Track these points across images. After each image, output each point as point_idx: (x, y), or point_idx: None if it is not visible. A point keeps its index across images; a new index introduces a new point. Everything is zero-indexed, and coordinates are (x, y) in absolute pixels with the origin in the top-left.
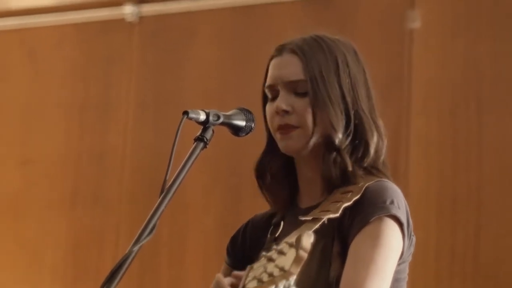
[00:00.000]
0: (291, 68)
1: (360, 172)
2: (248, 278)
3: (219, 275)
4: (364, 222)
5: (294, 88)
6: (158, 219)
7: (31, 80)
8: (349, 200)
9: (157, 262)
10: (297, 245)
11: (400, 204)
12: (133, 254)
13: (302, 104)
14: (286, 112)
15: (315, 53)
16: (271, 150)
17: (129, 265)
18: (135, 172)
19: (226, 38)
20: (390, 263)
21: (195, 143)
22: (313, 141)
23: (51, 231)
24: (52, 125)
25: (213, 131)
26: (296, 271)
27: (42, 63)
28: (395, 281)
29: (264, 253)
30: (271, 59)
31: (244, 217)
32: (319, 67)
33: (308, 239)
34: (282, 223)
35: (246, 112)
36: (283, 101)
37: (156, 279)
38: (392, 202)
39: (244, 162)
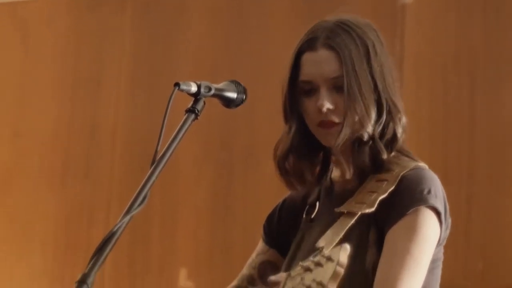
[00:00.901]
0: (330, 65)
1: (391, 158)
2: (286, 286)
3: None
4: (401, 214)
5: (334, 84)
6: (149, 189)
7: (23, 55)
8: (385, 192)
9: (148, 234)
10: (335, 259)
11: (437, 192)
12: (124, 224)
13: (342, 100)
14: (330, 110)
15: (348, 45)
16: (299, 136)
17: (119, 235)
18: (127, 146)
19: (219, 12)
20: (427, 255)
21: (186, 115)
22: (345, 133)
23: (42, 204)
24: (43, 98)
25: (204, 103)
26: (333, 286)
27: (34, 37)
28: (431, 263)
29: (301, 262)
30: (302, 52)
31: (236, 189)
32: (352, 61)
33: (344, 254)
34: (317, 203)
35: (237, 85)
36: (327, 99)
37: (146, 250)
38: (429, 192)
39: (236, 135)
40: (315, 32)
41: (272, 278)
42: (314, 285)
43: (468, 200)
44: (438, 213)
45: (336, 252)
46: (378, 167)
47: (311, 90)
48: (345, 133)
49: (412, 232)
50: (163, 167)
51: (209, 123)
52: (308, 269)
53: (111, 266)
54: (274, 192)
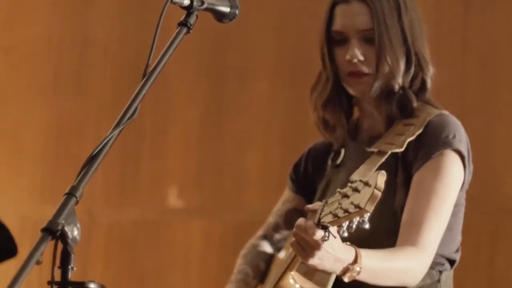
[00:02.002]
0: (361, 17)
1: (419, 105)
2: (324, 212)
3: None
4: (428, 157)
5: (365, 36)
6: (140, 102)
7: None
8: (412, 134)
9: (138, 151)
10: (372, 183)
11: (461, 137)
12: (114, 137)
13: (372, 52)
14: (360, 60)
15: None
16: (336, 86)
17: (109, 148)
18: (118, 59)
19: None
20: (452, 193)
21: (178, 28)
22: (379, 84)
23: (33, 117)
24: (34, 10)
25: (197, 16)
26: (370, 209)
27: None
28: (455, 206)
29: (339, 189)
30: (336, 4)
31: (227, 107)
32: (383, 14)
33: (382, 178)
34: (342, 150)
35: None
36: (357, 50)
37: (137, 168)
38: (454, 136)
39: (228, 52)
40: None
41: (309, 206)
42: (351, 208)
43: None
44: (462, 157)
45: (373, 177)
46: (406, 114)
47: (343, 40)
48: (379, 83)
49: (438, 173)
50: (154, 80)
51: (201, 39)
52: (345, 195)
53: (101, 181)
54: (266, 110)
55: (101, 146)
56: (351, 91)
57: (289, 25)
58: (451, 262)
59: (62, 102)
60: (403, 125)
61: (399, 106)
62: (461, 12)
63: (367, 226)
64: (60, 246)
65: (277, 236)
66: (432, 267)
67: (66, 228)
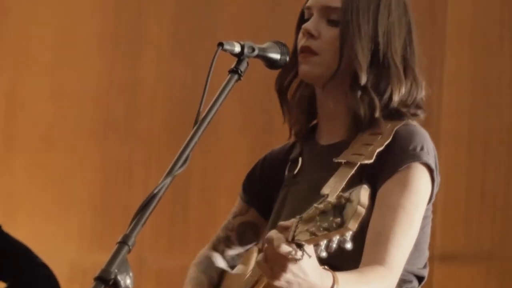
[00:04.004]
0: None
1: (384, 114)
2: (298, 229)
3: (271, 232)
4: (395, 169)
5: (328, 14)
6: (191, 151)
7: (62, 11)
8: (381, 145)
9: (188, 197)
10: (354, 199)
11: (429, 149)
12: (165, 186)
13: (330, 33)
14: (311, 35)
15: None
16: (292, 68)
17: (161, 197)
18: (167, 105)
19: None
20: (419, 209)
21: (229, 75)
22: (336, 72)
23: (81, 163)
24: (83, 56)
25: (247, 63)
26: (354, 227)
27: None
28: (422, 220)
29: (316, 204)
30: None
31: None
32: (358, 1)
33: (365, 194)
34: (300, 159)
35: (281, 45)
36: (312, 24)
37: (186, 214)
38: (422, 148)
39: (277, 99)
40: None
41: (282, 223)
42: (332, 225)
43: (508, 170)
44: (430, 170)
45: (356, 193)
46: (371, 120)
47: (308, 18)
48: (342, 67)
49: (405, 187)
50: (205, 128)
51: (250, 84)
52: (323, 212)
53: (151, 227)
54: None
55: (152, 195)
56: (299, 72)
57: None
58: (420, 278)
59: (110, 147)
60: (369, 134)
61: (368, 108)
62: (509, 57)
63: (349, 245)
64: None
65: (229, 252)
66: (400, 284)
67: (119, 277)
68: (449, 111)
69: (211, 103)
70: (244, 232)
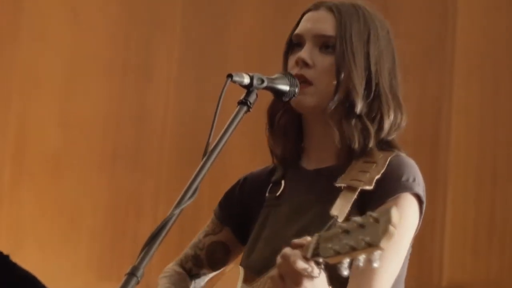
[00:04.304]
0: (323, 23)
1: (376, 143)
2: (321, 248)
3: (286, 249)
4: (386, 198)
5: (321, 43)
6: (200, 182)
7: (73, 39)
8: (378, 173)
9: (197, 228)
10: (383, 219)
11: (420, 181)
12: (174, 217)
13: (324, 61)
14: (305, 64)
15: (351, 17)
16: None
17: (170, 228)
18: (176, 135)
19: (270, 2)
20: (406, 239)
21: (238, 107)
22: (332, 101)
23: (90, 193)
24: (93, 85)
25: (256, 95)
26: (385, 246)
27: (84, 22)
28: None
29: (339, 223)
30: (306, 12)
31: None
32: (350, 30)
33: (397, 216)
34: (283, 182)
35: (290, 77)
36: (306, 53)
37: None
38: (414, 180)
39: None
40: (328, 0)
41: (296, 241)
42: (362, 245)
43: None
44: (420, 202)
45: (385, 213)
46: (363, 150)
47: (298, 45)
48: (338, 96)
49: None
50: (214, 159)
51: (257, 113)
52: (346, 231)
53: (159, 254)
54: None
55: (161, 226)
56: (292, 102)
57: None
58: None
59: (119, 178)
60: (363, 162)
61: (362, 137)
62: None
63: (375, 264)
64: None
65: (196, 271)
66: None
67: None
68: (457, 142)
69: (220, 134)
70: (214, 252)
